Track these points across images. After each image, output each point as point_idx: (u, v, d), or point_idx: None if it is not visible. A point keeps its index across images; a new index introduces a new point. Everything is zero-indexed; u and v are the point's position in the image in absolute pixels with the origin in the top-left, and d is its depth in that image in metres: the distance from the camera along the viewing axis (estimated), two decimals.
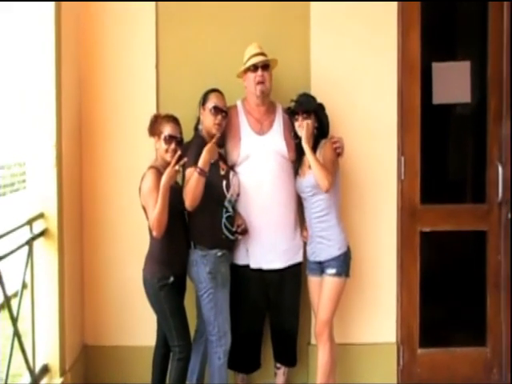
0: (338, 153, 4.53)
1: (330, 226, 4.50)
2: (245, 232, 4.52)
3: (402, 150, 5.05)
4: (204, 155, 4.26)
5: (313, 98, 4.57)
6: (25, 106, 4.50)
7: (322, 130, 4.54)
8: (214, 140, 4.39)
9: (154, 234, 4.19)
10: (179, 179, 4.41)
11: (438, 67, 5.11)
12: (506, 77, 5.04)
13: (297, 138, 4.55)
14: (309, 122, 4.44)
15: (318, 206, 4.49)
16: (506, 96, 5.05)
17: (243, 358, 4.78)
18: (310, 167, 4.42)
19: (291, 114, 4.55)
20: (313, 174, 4.37)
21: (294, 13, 5.02)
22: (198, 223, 4.42)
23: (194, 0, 4.97)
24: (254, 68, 4.59)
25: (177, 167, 4.15)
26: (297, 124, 4.48)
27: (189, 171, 4.30)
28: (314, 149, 4.46)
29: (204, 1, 4.98)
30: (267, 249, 4.62)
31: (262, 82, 4.59)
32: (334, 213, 4.50)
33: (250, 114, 4.72)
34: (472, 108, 5.29)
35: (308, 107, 4.49)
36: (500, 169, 5.07)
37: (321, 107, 4.55)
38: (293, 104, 4.55)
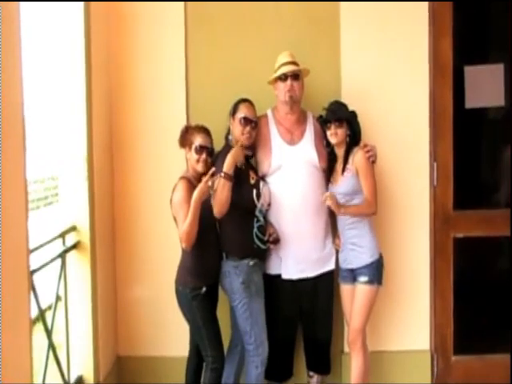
0: (371, 161, 4.49)
1: (362, 233, 4.47)
2: (276, 241, 4.50)
3: (434, 155, 5.01)
4: (228, 159, 4.27)
5: (344, 106, 4.54)
6: (56, 118, 4.51)
7: (354, 138, 4.51)
8: (239, 144, 4.38)
9: (183, 246, 4.21)
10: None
11: (470, 70, 5.06)
12: None
13: (329, 146, 4.55)
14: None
15: None
16: None
17: (276, 367, 4.75)
18: (342, 174, 4.43)
19: (323, 122, 4.53)
20: (345, 183, 4.41)
21: (325, 20, 4.99)
22: (229, 233, 4.41)
23: (223, 8, 4.96)
24: (284, 77, 4.57)
25: (209, 183, 4.13)
26: (329, 133, 4.46)
27: (217, 180, 4.29)
28: (347, 157, 4.45)
29: (233, 9, 4.97)
30: (299, 258, 4.60)
31: (291, 91, 4.57)
32: (366, 220, 4.47)
33: (280, 124, 4.70)
34: (505, 111, 5.20)
35: (340, 115, 4.46)
36: None
37: (353, 115, 4.52)
38: (324, 112, 4.53)
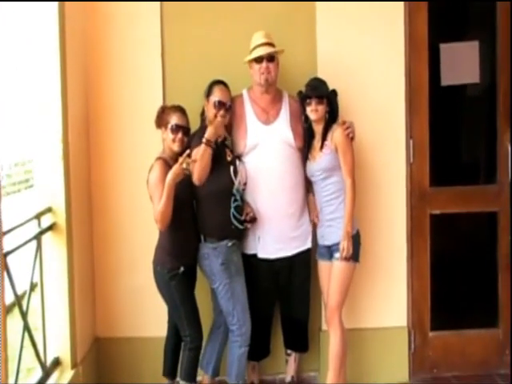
0: (350, 137, 4.49)
1: (340, 209, 4.46)
2: (253, 220, 4.51)
3: (410, 132, 5.00)
4: (210, 128, 4.28)
5: (324, 83, 4.53)
6: (30, 101, 4.46)
7: (332, 115, 4.51)
8: (219, 117, 4.37)
9: (158, 226, 4.21)
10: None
11: (445, 48, 5.04)
12: None
13: (306, 121, 4.55)
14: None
15: (328, 190, 4.49)
16: None
17: (254, 346, 4.70)
18: (321, 149, 4.45)
19: (303, 98, 4.51)
20: (324, 159, 4.41)
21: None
22: (206, 215, 4.41)
23: None
24: (260, 59, 4.54)
25: (184, 165, 4.12)
26: (309, 109, 4.46)
27: (195, 148, 4.29)
28: (325, 133, 4.46)
29: None
30: (275, 237, 4.62)
31: (266, 73, 4.55)
32: (343, 196, 4.46)
33: (255, 103, 4.68)
34: (481, 89, 5.22)
35: (321, 92, 4.47)
36: (510, 149, 5.02)
37: (334, 93, 4.52)
38: (304, 88, 4.51)
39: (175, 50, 4.95)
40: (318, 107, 4.43)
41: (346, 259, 4.38)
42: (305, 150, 4.61)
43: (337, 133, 4.44)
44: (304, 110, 4.52)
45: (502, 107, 5.05)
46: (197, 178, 4.26)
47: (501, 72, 5.03)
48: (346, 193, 4.41)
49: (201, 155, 4.23)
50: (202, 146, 4.23)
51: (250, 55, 4.58)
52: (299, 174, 4.66)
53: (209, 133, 4.25)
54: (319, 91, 4.46)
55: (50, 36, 4.30)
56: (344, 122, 4.51)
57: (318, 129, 4.52)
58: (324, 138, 4.47)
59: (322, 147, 4.46)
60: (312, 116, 4.46)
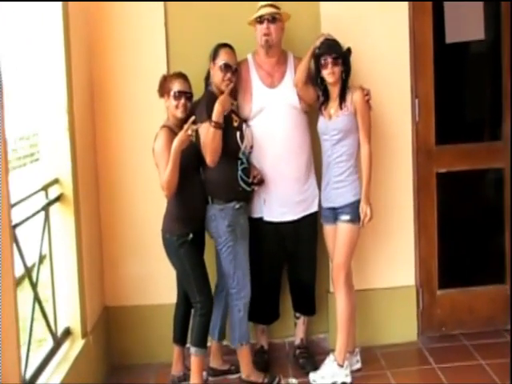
0: (369, 105, 4.48)
1: (349, 172, 4.46)
2: (261, 182, 4.51)
3: (415, 91, 4.98)
4: (217, 107, 4.24)
5: (337, 42, 4.47)
6: (35, 72, 4.39)
7: (347, 74, 4.47)
8: (226, 91, 4.36)
9: (165, 194, 4.21)
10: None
11: (450, 6, 4.99)
12: None
13: (322, 83, 4.50)
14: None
15: (339, 151, 4.46)
16: None
17: (262, 309, 4.80)
18: (340, 109, 4.42)
19: (318, 57, 4.45)
20: (342, 119, 4.41)
21: None
22: (213, 177, 4.39)
23: None
24: (261, 20, 4.51)
25: (189, 131, 4.10)
26: (326, 72, 4.41)
27: (203, 127, 4.26)
28: (342, 94, 4.43)
29: None
30: (281, 200, 4.62)
31: (267, 35, 4.51)
32: (354, 159, 4.47)
33: (260, 68, 4.67)
34: (486, 45, 5.17)
35: (337, 51, 4.42)
36: None
37: (348, 51, 4.47)
38: (318, 48, 4.46)
39: (179, 15, 4.89)
40: (334, 69, 4.38)
41: (363, 224, 4.41)
42: (318, 107, 4.57)
43: (356, 96, 4.42)
44: (318, 71, 4.47)
45: (507, 63, 5.01)
46: (210, 160, 4.26)
47: (505, 27, 4.98)
48: (364, 158, 4.42)
49: (211, 139, 4.22)
50: (211, 130, 4.20)
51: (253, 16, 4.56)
52: (305, 136, 4.65)
53: (216, 113, 4.22)
54: (335, 50, 4.41)
55: (54, 11, 4.25)
56: (363, 88, 4.48)
57: (334, 89, 4.47)
58: (343, 99, 4.43)
59: (340, 107, 4.43)
60: (329, 79, 4.42)
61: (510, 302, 5.08)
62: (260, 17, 4.51)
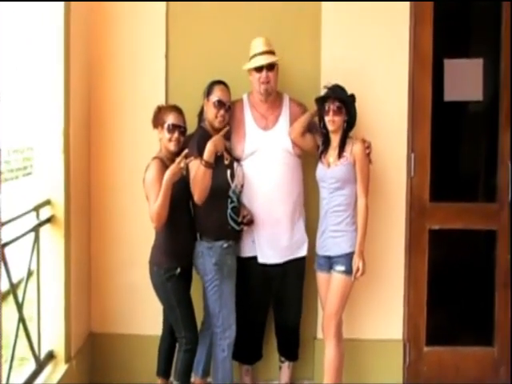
0: (369, 158, 4.53)
1: (346, 222, 4.48)
2: (251, 223, 4.53)
3: (412, 146, 5.02)
4: (209, 147, 4.27)
5: (343, 89, 4.50)
6: (34, 91, 4.50)
7: (349, 123, 4.51)
8: (221, 133, 4.40)
9: (154, 225, 4.23)
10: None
11: (450, 64, 5.07)
12: None
13: (325, 128, 4.54)
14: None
15: (337, 200, 4.48)
16: None
17: (246, 349, 4.81)
18: (339, 158, 4.45)
19: (321, 101, 4.51)
20: (340, 169, 4.44)
21: (306, 6, 4.98)
22: (203, 214, 4.41)
23: None
24: (259, 68, 4.54)
25: (182, 164, 4.15)
26: (327, 119, 4.45)
27: (193, 163, 4.29)
28: (343, 144, 4.47)
29: None
30: (270, 242, 4.63)
31: (266, 83, 4.55)
32: (351, 210, 4.48)
33: (255, 109, 4.69)
34: (484, 106, 5.22)
35: (340, 94, 4.46)
36: (511, 168, 5.01)
37: (353, 98, 4.51)
38: (324, 92, 4.53)
39: (179, 50, 5.00)
40: (335, 118, 4.41)
41: (356, 277, 4.43)
42: (318, 155, 4.59)
43: (357, 148, 4.45)
44: (322, 117, 4.52)
45: (504, 125, 5.04)
46: (198, 198, 4.29)
47: (504, 90, 5.03)
48: (360, 211, 4.44)
49: (201, 177, 4.24)
50: (202, 169, 4.24)
51: (249, 63, 4.59)
52: (297, 181, 4.68)
53: (208, 153, 4.25)
54: (340, 95, 4.45)
55: (54, 31, 4.37)
56: (364, 140, 4.52)
57: (335, 137, 4.50)
58: (342, 148, 4.47)
59: (339, 156, 4.46)
60: (330, 126, 4.45)
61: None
62: (258, 66, 4.54)
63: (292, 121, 4.65)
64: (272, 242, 4.63)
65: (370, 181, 4.58)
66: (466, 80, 5.08)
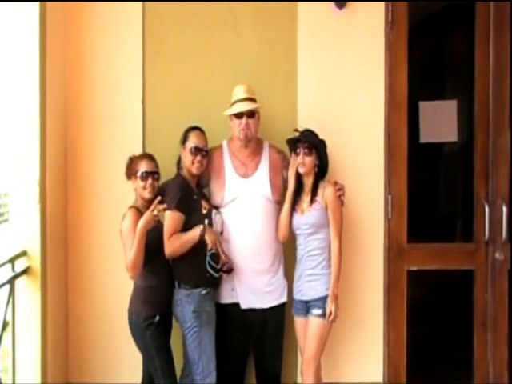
0: (341, 201, 4.52)
1: (322, 266, 4.47)
2: (230, 270, 4.48)
3: (389, 188, 5.03)
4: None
5: (315, 134, 4.53)
6: (9, 139, 4.47)
7: (321, 169, 4.53)
8: (197, 160, 4.45)
9: (129, 275, 4.22)
10: (161, 218, 4.37)
11: (425, 106, 5.12)
12: (493, 116, 5.02)
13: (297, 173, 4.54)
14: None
15: (312, 245, 4.48)
16: (493, 135, 5.02)
17: None
18: (310, 205, 4.45)
19: (292, 144, 4.53)
20: (313, 214, 4.43)
21: (282, 51, 5.01)
22: (181, 262, 4.38)
23: (182, 33, 5.00)
24: (240, 115, 4.54)
25: (155, 212, 4.14)
26: (298, 160, 4.46)
27: (168, 214, 4.30)
28: (315, 189, 4.48)
29: (192, 34, 5.00)
30: (250, 289, 4.61)
31: (246, 129, 4.55)
32: (327, 253, 4.48)
33: (234, 156, 4.69)
34: (459, 146, 5.29)
35: (310, 139, 4.47)
36: (487, 208, 5.03)
37: (323, 143, 4.52)
38: (294, 135, 4.54)
39: (156, 96, 5.00)
40: (305, 159, 4.43)
41: (332, 321, 4.40)
42: (292, 206, 4.57)
43: (328, 191, 4.46)
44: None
45: (479, 165, 5.07)
46: (168, 252, 4.33)
47: (478, 130, 5.06)
48: (333, 255, 4.44)
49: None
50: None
51: (230, 109, 4.59)
52: (276, 228, 4.65)
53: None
54: (308, 137, 4.47)
55: (31, 66, 4.40)
56: (336, 183, 4.53)
57: (308, 182, 4.52)
58: (314, 194, 4.48)
59: (311, 202, 4.48)
60: (300, 169, 4.46)
61: None
62: (239, 112, 4.54)
63: (272, 167, 4.67)
64: (253, 289, 4.61)
65: (348, 223, 4.61)
66: (441, 121, 5.15)
